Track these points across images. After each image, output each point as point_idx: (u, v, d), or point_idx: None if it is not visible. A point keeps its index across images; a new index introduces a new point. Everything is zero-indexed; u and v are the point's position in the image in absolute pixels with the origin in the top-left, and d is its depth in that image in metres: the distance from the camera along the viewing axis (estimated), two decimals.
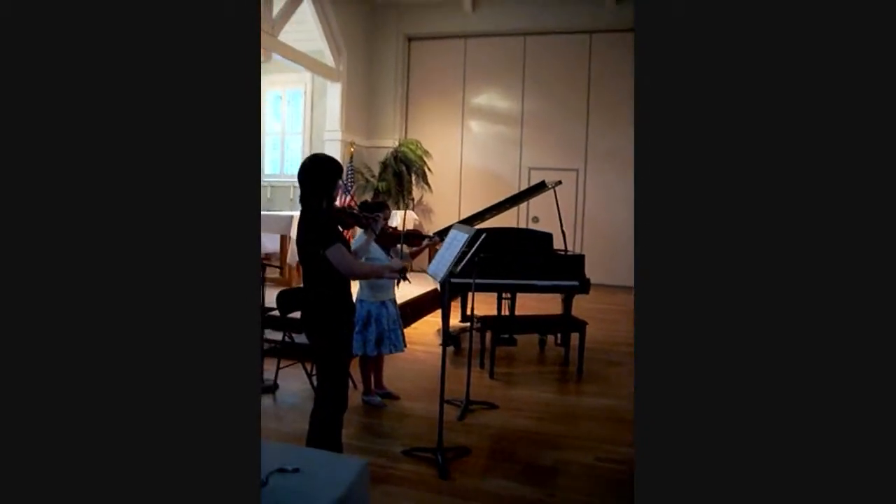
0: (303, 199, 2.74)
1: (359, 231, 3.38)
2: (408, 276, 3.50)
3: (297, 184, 2.79)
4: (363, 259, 3.53)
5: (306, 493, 2.07)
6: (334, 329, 2.73)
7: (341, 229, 2.88)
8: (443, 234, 4.55)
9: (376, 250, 3.91)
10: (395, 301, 4.13)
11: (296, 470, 2.22)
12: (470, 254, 3.30)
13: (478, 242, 3.33)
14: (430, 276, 3.31)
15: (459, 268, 3.26)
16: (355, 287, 3.60)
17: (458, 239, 3.15)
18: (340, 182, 2.84)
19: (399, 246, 4.00)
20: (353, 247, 3.41)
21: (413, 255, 4.07)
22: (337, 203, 3.01)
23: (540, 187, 5.91)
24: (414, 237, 4.06)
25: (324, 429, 2.76)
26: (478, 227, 5.40)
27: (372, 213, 3.62)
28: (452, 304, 6.52)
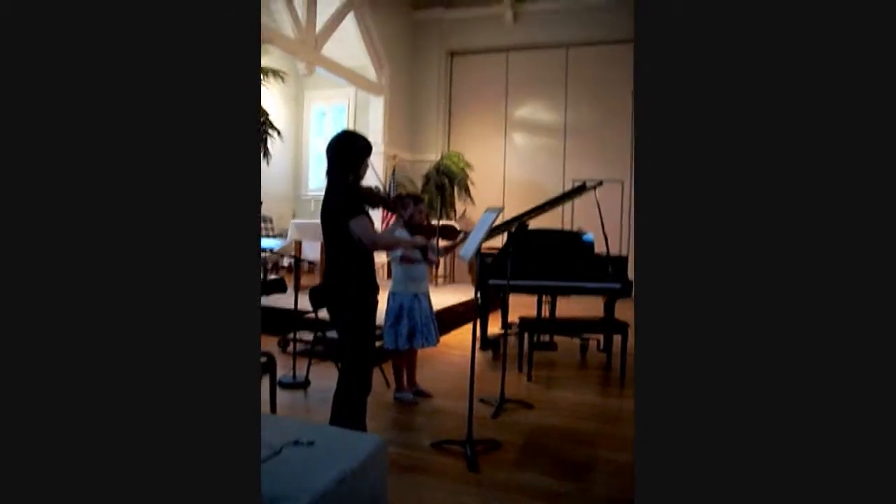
0: (329, 174, 2.71)
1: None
2: (437, 262, 3.52)
3: None
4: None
5: (318, 463, 2.00)
6: (355, 304, 2.66)
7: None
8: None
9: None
10: (428, 295, 4.05)
11: (311, 443, 2.15)
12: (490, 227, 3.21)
13: (498, 215, 3.23)
14: (462, 257, 3.25)
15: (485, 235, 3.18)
16: (385, 277, 3.54)
17: (487, 220, 3.08)
18: (369, 162, 2.80)
19: (434, 239, 3.95)
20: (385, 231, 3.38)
21: (447, 250, 4.00)
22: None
23: (580, 189, 5.77)
24: (449, 231, 3.99)
25: (347, 411, 2.68)
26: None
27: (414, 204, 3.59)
28: (493, 315, 6.41)
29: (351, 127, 10.56)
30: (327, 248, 2.78)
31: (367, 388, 2.76)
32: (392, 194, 8.67)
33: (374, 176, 2.96)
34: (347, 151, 2.70)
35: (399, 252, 3.77)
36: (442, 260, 9.88)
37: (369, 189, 2.85)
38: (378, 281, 2.87)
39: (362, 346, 2.71)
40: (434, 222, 7.12)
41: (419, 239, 3.06)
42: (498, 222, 4.66)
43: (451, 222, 8.95)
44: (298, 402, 4.00)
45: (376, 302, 2.81)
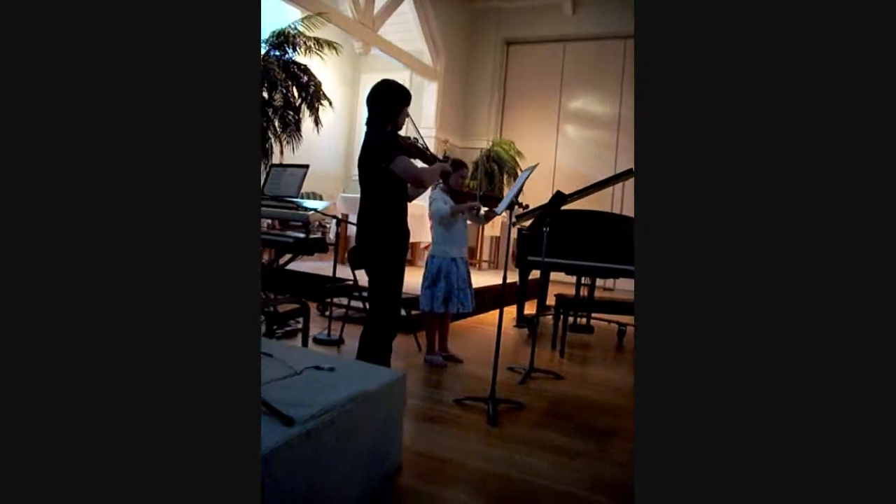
0: (369, 123, 2.78)
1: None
2: (483, 219, 3.69)
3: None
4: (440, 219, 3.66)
5: (335, 384, 2.06)
6: (387, 247, 2.72)
7: None
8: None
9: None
10: (466, 261, 4.08)
11: (331, 369, 2.22)
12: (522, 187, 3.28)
13: (532, 171, 3.30)
14: (496, 211, 3.32)
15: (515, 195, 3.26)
16: (420, 236, 3.57)
17: (522, 177, 3.12)
18: (407, 111, 2.85)
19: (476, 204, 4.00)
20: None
21: (487, 218, 4.02)
22: None
23: (628, 173, 5.74)
24: (490, 199, 4.01)
25: (373, 349, 2.75)
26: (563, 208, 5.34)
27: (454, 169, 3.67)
28: (531, 301, 6.40)
29: None
30: (363, 195, 2.84)
31: (394, 328, 2.83)
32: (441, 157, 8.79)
33: (413, 128, 3.00)
34: (387, 100, 2.77)
35: (447, 210, 3.82)
36: (487, 246, 9.92)
37: (407, 139, 2.90)
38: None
39: (392, 286, 2.77)
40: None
41: (445, 165, 3.11)
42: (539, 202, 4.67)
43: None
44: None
45: (407, 247, 2.87)
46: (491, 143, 10.13)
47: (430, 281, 3.93)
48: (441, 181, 3.62)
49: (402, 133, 2.92)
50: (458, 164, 3.90)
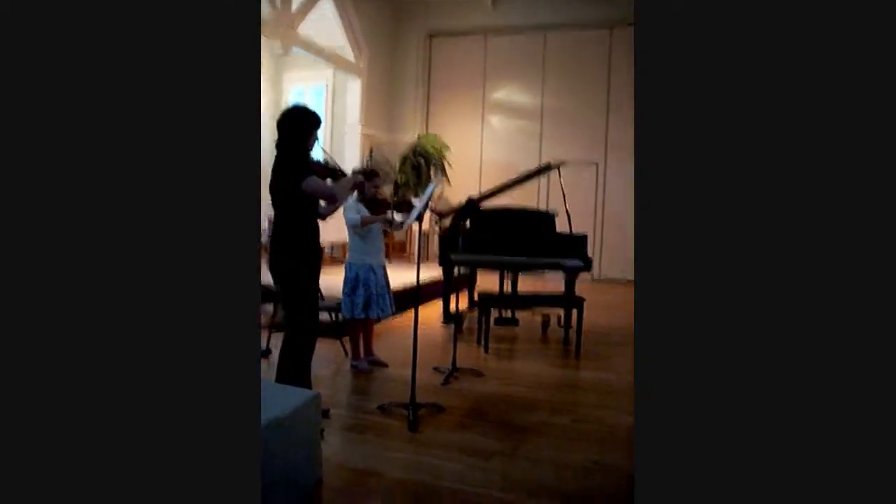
0: (278, 146, 2.84)
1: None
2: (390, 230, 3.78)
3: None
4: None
5: None
6: (300, 265, 2.80)
7: None
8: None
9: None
10: (384, 268, 4.18)
11: None
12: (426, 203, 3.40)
13: (431, 188, 3.43)
14: (403, 226, 3.44)
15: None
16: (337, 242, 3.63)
17: (427, 192, 3.25)
18: (316, 133, 2.92)
19: (390, 212, 4.09)
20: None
21: (403, 224, 4.12)
22: None
23: (545, 168, 5.95)
24: (405, 206, 4.12)
25: (292, 369, 2.82)
26: (483, 206, 5.50)
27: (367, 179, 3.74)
28: (461, 294, 6.56)
29: (329, 108, 10.61)
30: (275, 216, 2.90)
31: (311, 348, 2.91)
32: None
33: (321, 149, 3.08)
34: (296, 124, 2.84)
35: (357, 217, 3.90)
36: (412, 237, 10.02)
37: (317, 161, 2.98)
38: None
39: (306, 307, 2.85)
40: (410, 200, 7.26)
41: (358, 177, 3.17)
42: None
43: (414, 199, 9.10)
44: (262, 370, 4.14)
45: (319, 267, 2.96)
46: (417, 136, 10.21)
47: (350, 288, 4.02)
48: (356, 192, 3.70)
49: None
50: (372, 174, 3.98)
